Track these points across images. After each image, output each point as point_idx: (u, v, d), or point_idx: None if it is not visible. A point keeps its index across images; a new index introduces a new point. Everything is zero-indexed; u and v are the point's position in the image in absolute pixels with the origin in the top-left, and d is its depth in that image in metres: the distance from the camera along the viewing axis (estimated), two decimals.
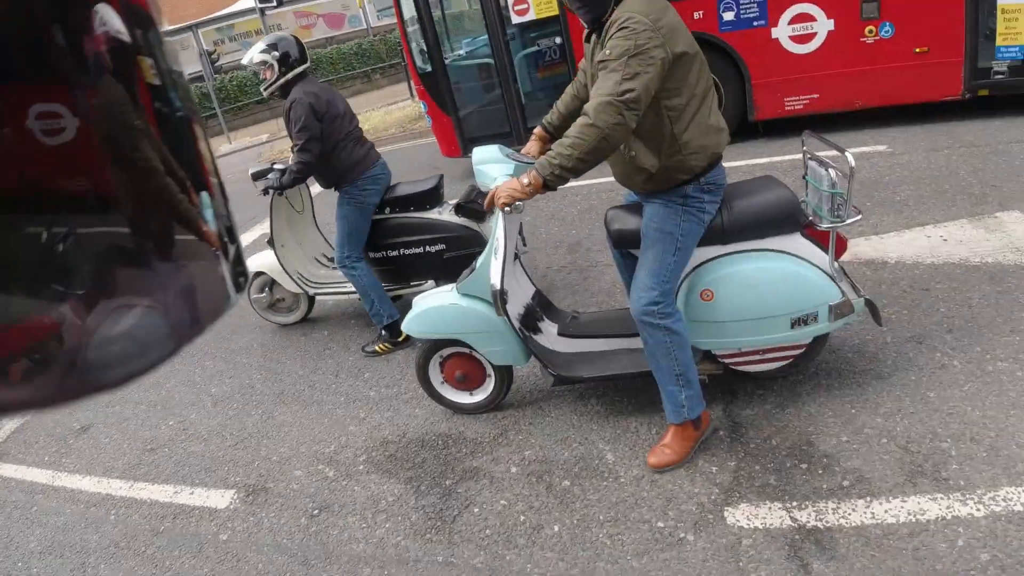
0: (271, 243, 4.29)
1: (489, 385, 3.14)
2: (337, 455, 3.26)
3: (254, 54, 3.78)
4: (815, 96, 5.88)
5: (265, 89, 3.84)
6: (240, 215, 8.36)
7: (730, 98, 6.08)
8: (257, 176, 4.01)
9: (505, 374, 3.09)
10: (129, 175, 0.38)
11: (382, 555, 2.61)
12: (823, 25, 5.62)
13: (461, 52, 7.64)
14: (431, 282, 4.06)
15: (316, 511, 2.93)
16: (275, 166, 4.03)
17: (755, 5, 5.76)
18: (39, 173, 0.35)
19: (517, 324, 2.81)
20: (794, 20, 5.71)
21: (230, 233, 0.49)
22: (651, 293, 2.46)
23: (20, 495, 3.76)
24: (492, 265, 2.69)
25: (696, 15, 5.89)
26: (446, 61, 7.09)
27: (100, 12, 0.36)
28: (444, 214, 3.99)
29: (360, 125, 4.04)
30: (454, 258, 3.91)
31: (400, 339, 3.95)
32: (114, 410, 4.36)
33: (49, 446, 4.20)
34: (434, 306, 2.95)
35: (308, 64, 3.83)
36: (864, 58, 5.57)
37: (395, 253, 4.04)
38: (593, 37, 2.42)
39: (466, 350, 3.03)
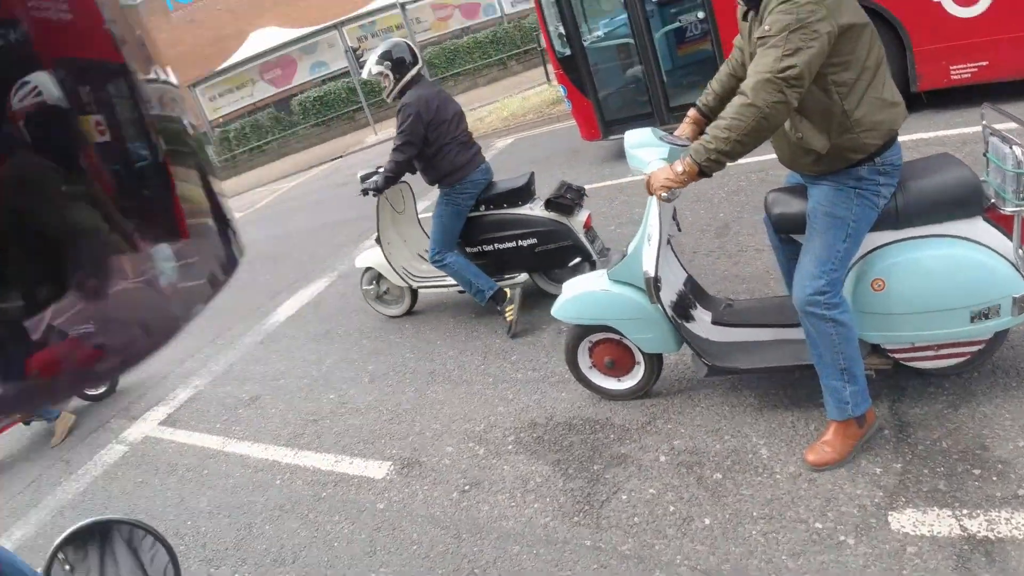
0: (378, 240, 4.70)
1: (638, 372, 3.11)
2: (486, 434, 3.37)
3: (371, 66, 4.13)
4: (984, 63, 5.26)
5: (387, 96, 4.19)
6: (349, 213, 8.72)
7: (891, 67, 5.58)
8: (364, 179, 4.36)
9: (655, 361, 3.05)
10: (45, 243, 0.36)
11: (531, 534, 2.68)
12: None
13: (599, 33, 7.56)
14: (524, 274, 4.34)
15: (467, 487, 3.05)
16: (379, 169, 4.32)
17: None
18: None
19: (670, 311, 2.76)
20: None
21: (212, 280, 0.46)
22: (817, 282, 2.33)
23: (192, 459, 4.18)
24: (645, 252, 2.65)
25: None
26: (585, 43, 7.04)
27: (33, 81, 0.36)
28: (535, 209, 4.18)
29: (469, 128, 4.29)
30: (545, 251, 4.15)
31: (508, 299, 4.20)
32: (279, 383, 4.74)
33: (220, 415, 4.62)
34: (585, 292, 2.96)
35: (420, 65, 4.16)
36: None
37: (490, 248, 4.31)
38: (751, 14, 2.31)
39: (616, 336, 3.02)
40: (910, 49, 5.48)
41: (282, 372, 4.95)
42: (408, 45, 4.19)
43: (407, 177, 4.45)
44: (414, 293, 4.95)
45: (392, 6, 20.97)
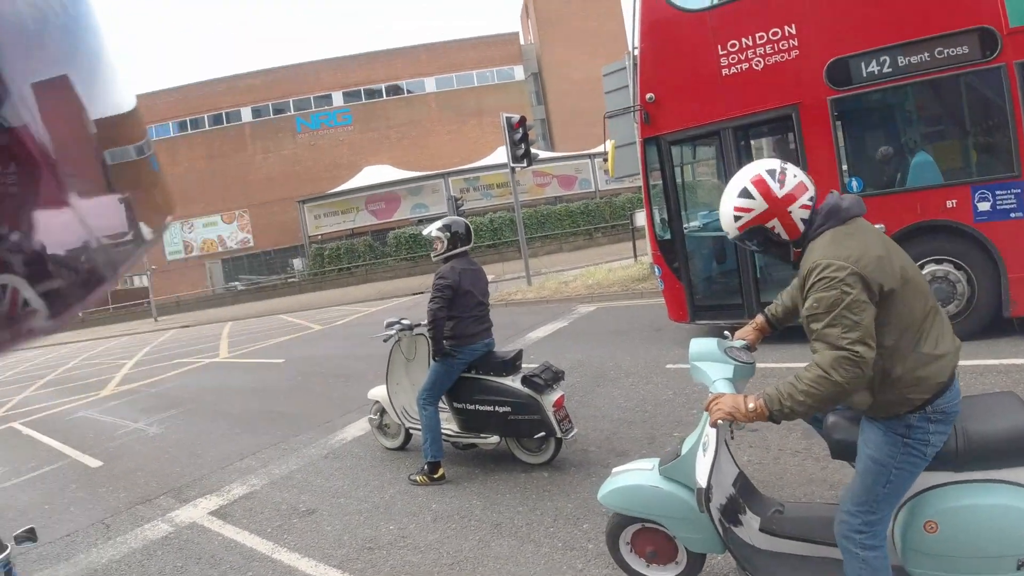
0: (387, 379, 5.36)
1: (680, 565, 2.95)
2: None
3: (433, 229, 4.88)
4: None
5: (434, 257, 4.90)
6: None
7: (984, 291, 5.77)
8: (389, 325, 5.28)
9: (698, 559, 2.92)
10: None
11: None
12: None
13: (698, 224, 7.92)
14: (495, 437, 4.83)
15: None
16: (402, 320, 5.29)
17: (1012, 196, 5.53)
18: None
19: (717, 516, 2.65)
20: None
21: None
22: (854, 520, 2.28)
23: (237, 558, 4.09)
24: (700, 462, 2.57)
25: (949, 204, 5.79)
26: (684, 230, 7.37)
27: None
28: (516, 382, 4.68)
29: (489, 304, 4.97)
30: (516, 420, 4.64)
31: (436, 476, 4.75)
32: (338, 501, 4.69)
33: (273, 519, 4.58)
34: (636, 484, 2.89)
35: (470, 245, 4.89)
36: None
37: (472, 407, 4.85)
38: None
39: (661, 528, 2.91)
40: (1005, 275, 5.63)
41: (343, 490, 4.92)
42: (467, 225, 4.91)
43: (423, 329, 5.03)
44: (408, 433, 5.45)
45: (501, 166, 22.77)
